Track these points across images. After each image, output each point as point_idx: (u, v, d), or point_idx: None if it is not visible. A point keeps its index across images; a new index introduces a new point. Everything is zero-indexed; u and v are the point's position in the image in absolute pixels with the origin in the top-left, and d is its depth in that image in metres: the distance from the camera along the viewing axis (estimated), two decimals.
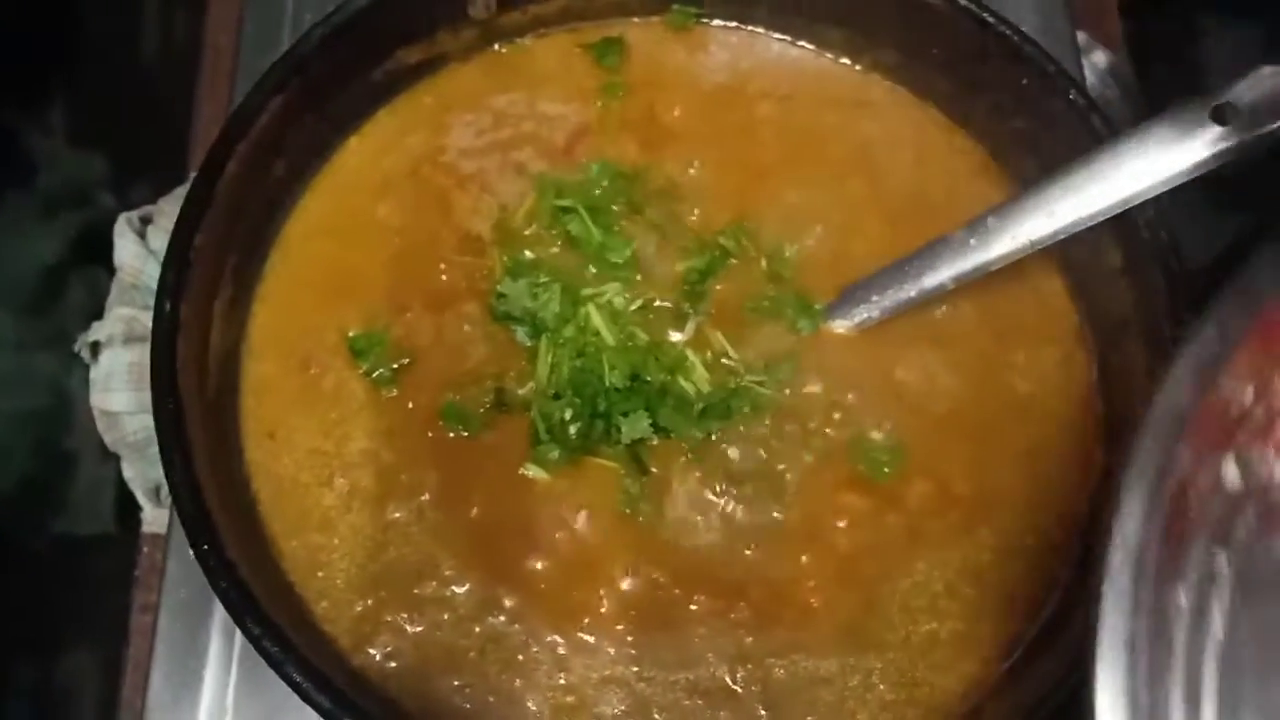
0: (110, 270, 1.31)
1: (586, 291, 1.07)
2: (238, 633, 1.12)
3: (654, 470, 1.02)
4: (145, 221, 1.33)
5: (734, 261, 1.10)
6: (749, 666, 0.97)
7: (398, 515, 1.01)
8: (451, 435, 1.03)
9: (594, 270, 1.09)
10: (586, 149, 1.15)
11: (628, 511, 1.00)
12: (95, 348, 1.27)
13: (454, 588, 0.98)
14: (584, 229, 1.09)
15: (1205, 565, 0.67)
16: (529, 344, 1.05)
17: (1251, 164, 1.32)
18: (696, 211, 1.13)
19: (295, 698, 0.86)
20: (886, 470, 1.03)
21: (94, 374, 1.27)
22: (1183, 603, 0.66)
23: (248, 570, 0.91)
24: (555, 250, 1.11)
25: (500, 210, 1.12)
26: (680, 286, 1.09)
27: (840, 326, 1.09)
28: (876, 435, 1.05)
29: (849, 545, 1.02)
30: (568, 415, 1.01)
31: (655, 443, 1.02)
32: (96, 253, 1.30)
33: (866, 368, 1.08)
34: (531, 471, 1.01)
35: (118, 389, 1.25)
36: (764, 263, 1.11)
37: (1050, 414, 1.08)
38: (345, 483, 1.02)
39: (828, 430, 1.05)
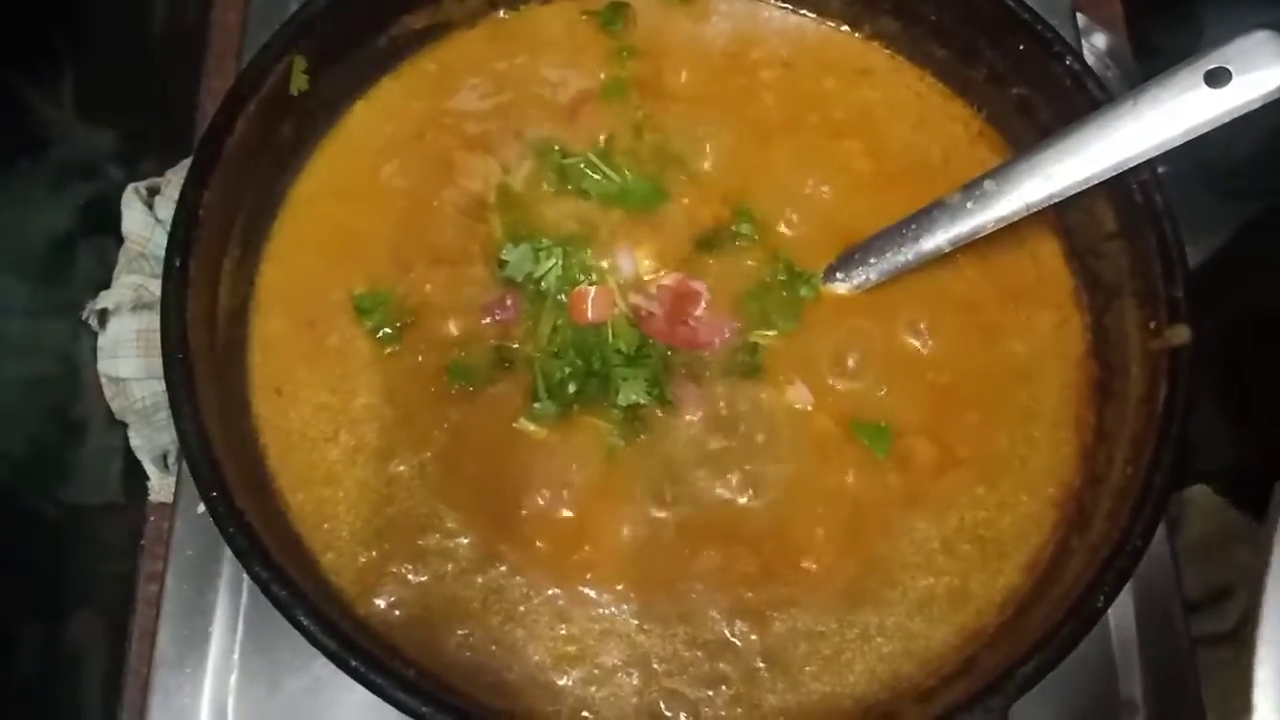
0: (118, 240, 1.32)
1: (598, 260, 1.09)
2: (244, 590, 1.14)
3: (650, 429, 1.04)
4: (153, 192, 1.34)
5: (737, 228, 1.12)
6: (748, 620, 0.98)
7: (401, 469, 1.02)
8: (454, 391, 1.04)
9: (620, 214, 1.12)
10: (591, 113, 1.17)
11: (622, 467, 1.02)
12: (103, 315, 1.27)
13: (456, 539, 1.00)
14: (601, 179, 1.12)
15: None
16: (529, 305, 1.07)
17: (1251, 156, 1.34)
18: (702, 171, 1.15)
19: (302, 654, 0.88)
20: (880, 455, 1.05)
21: (102, 341, 1.28)
22: None
23: (255, 519, 0.92)
24: (557, 213, 1.12)
25: (503, 173, 1.14)
26: (685, 248, 1.11)
27: (840, 288, 1.10)
28: (879, 394, 1.07)
29: (848, 503, 1.03)
30: (567, 373, 1.03)
31: (647, 405, 1.04)
32: (105, 223, 1.31)
33: (866, 328, 1.09)
34: (528, 426, 1.03)
35: (125, 356, 1.26)
36: (765, 227, 1.13)
37: (1046, 376, 1.09)
38: (350, 438, 1.04)
39: (833, 383, 1.07)
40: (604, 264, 1.09)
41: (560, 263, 1.07)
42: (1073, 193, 1.01)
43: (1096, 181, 1.00)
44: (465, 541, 1.00)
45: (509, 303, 1.08)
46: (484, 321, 1.08)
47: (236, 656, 1.12)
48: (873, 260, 1.09)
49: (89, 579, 1.27)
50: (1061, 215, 1.11)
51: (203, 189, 1.00)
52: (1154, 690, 1.13)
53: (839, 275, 1.11)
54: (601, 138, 1.15)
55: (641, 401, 1.03)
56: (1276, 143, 1.35)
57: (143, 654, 1.20)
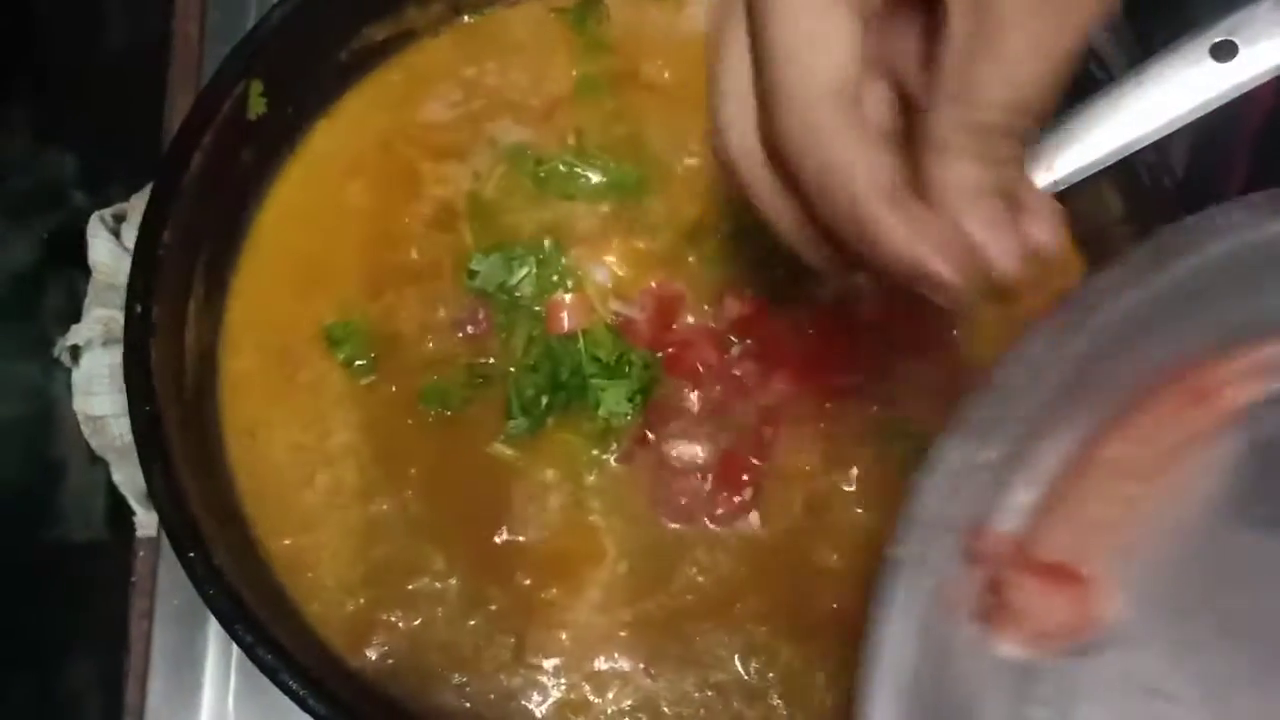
0: (86, 271, 1.27)
1: (575, 266, 1.05)
2: None
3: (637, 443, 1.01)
4: (119, 219, 1.29)
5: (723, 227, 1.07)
6: (761, 657, 0.95)
7: (383, 508, 0.98)
8: (431, 419, 1.01)
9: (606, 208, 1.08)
10: (566, 114, 1.12)
11: (604, 489, 0.99)
12: (75, 351, 1.23)
13: (445, 581, 0.96)
14: (581, 177, 1.08)
15: None
16: (503, 318, 1.03)
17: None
18: (686, 172, 1.10)
19: None
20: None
21: (76, 378, 1.23)
22: None
23: (236, 575, 0.89)
24: (531, 220, 1.08)
25: (474, 182, 1.09)
26: (669, 250, 1.07)
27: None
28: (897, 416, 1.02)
29: (861, 526, 0.99)
30: (541, 386, 0.99)
31: (631, 417, 1.00)
32: (71, 254, 1.27)
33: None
34: (504, 451, 1.00)
35: (100, 392, 1.22)
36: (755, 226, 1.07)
37: None
38: (328, 478, 1.00)
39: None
40: (581, 270, 1.05)
41: (534, 271, 1.03)
42: (1079, 179, 0.96)
43: (1102, 166, 0.95)
44: (454, 583, 0.96)
45: (481, 316, 1.04)
46: (456, 337, 1.04)
47: (231, 705, 1.09)
48: None
49: (79, 620, 1.24)
50: (1067, 201, 1.06)
51: (161, 229, 0.96)
52: None
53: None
54: (571, 138, 1.11)
55: (622, 413, 0.99)
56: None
57: (138, 693, 1.17)
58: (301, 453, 1.01)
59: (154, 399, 0.92)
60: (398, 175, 1.10)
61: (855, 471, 1.00)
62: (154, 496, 0.89)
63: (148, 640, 1.13)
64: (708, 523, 0.98)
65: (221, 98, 1.01)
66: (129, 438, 1.21)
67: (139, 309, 0.93)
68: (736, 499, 0.98)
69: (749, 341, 1.03)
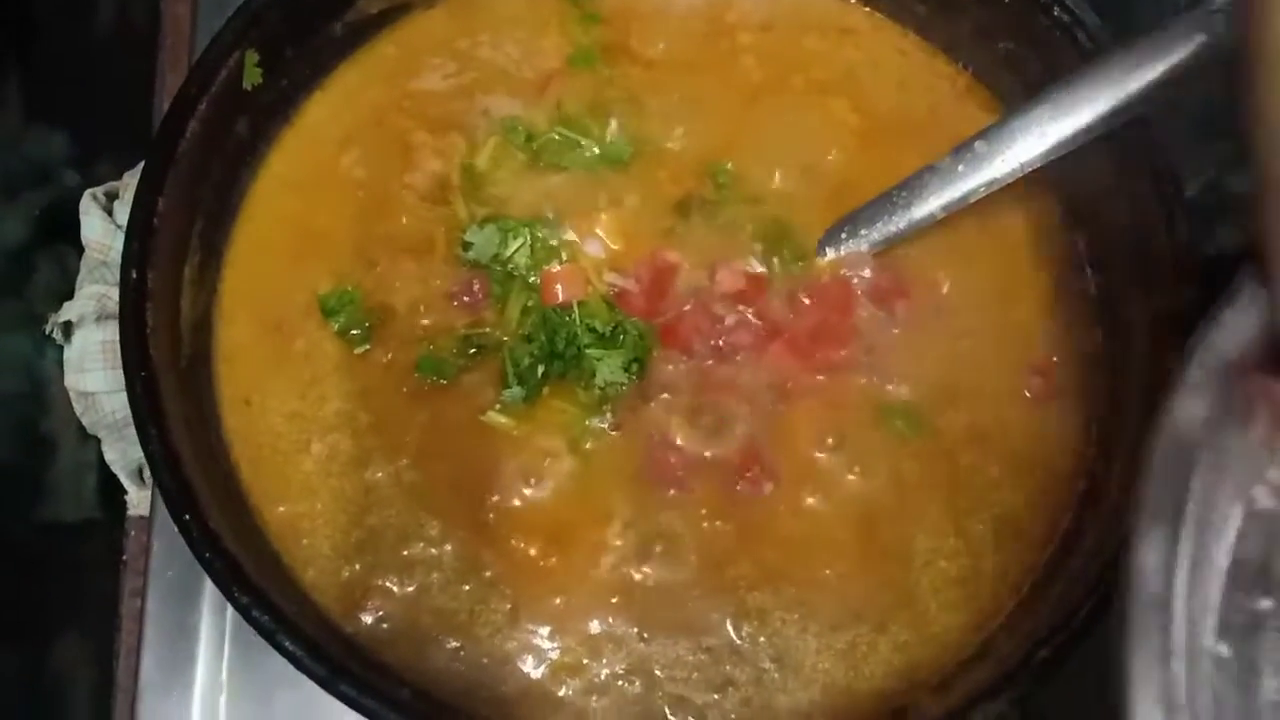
0: (78, 249, 1.27)
1: (569, 237, 1.05)
2: (229, 610, 1.10)
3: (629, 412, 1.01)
4: (111, 197, 1.29)
5: (719, 194, 1.09)
6: (753, 622, 0.95)
7: (378, 476, 0.99)
8: (426, 388, 1.01)
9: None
10: (560, 85, 1.12)
11: (599, 457, 0.99)
12: (67, 328, 1.23)
13: (440, 548, 0.96)
14: (575, 149, 1.08)
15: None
16: (498, 288, 1.03)
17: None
18: (679, 142, 1.11)
19: (291, 672, 0.84)
20: (910, 432, 1.02)
21: (68, 355, 1.23)
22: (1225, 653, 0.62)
23: (232, 540, 0.88)
24: (525, 191, 1.08)
25: (467, 153, 1.09)
26: (663, 220, 1.07)
27: (830, 260, 1.06)
28: (891, 389, 1.03)
29: (856, 492, 1.00)
30: (536, 355, 0.99)
31: (627, 386, 1.01)
32: (63, 231, 1.27)
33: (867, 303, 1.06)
34: (498, 419, 0.99)
35: (92, 369, 1.22)
36: (751, 191, 1.09)
37: (1053, 345, 1.05)
38: (323, 447, 1.00)
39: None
40: (575, 241, 1.05)
41: (529, 242, 1.04)
42: (1067, 149, 0.97)
43: (1091, 136, 0.96)
44: (449, 549, 0.96)
45: (476, 287, 1.04)
46: (451, 307, 1.04)
47: (224, 677, 1.09)
48: (863, 231, 1.05)
49: (71, 598, 1.23)
50: (1057, 173, 1.07)
51: (156, 196, 0.96)
52: None
53: (829, 250, 1.06)
54: (567, 106, 1.11)
55: (618, 382, 1.00)
56: None
57: (130, 670, 1.17)
58: (297, 421, 1.01)
59: (149, 364, 0.91)
60: (391, 147, 1.10)
61: (848, 439, 1.00)
62: (150, 460, 0.89)
63: (139, 618, 1.13)
64: (700, 490, 0.98)
65: (217, 67, 1.01)
66: (121, 414, 1.22)
67: (134, 275, 0.93)
68: (729, 466, 0.99)
69: (742, 309, 1.03)
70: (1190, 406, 0.65)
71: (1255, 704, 0.62)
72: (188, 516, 0.87)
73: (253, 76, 1.04)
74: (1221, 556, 0.63)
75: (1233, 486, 0.64)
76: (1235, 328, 0.67)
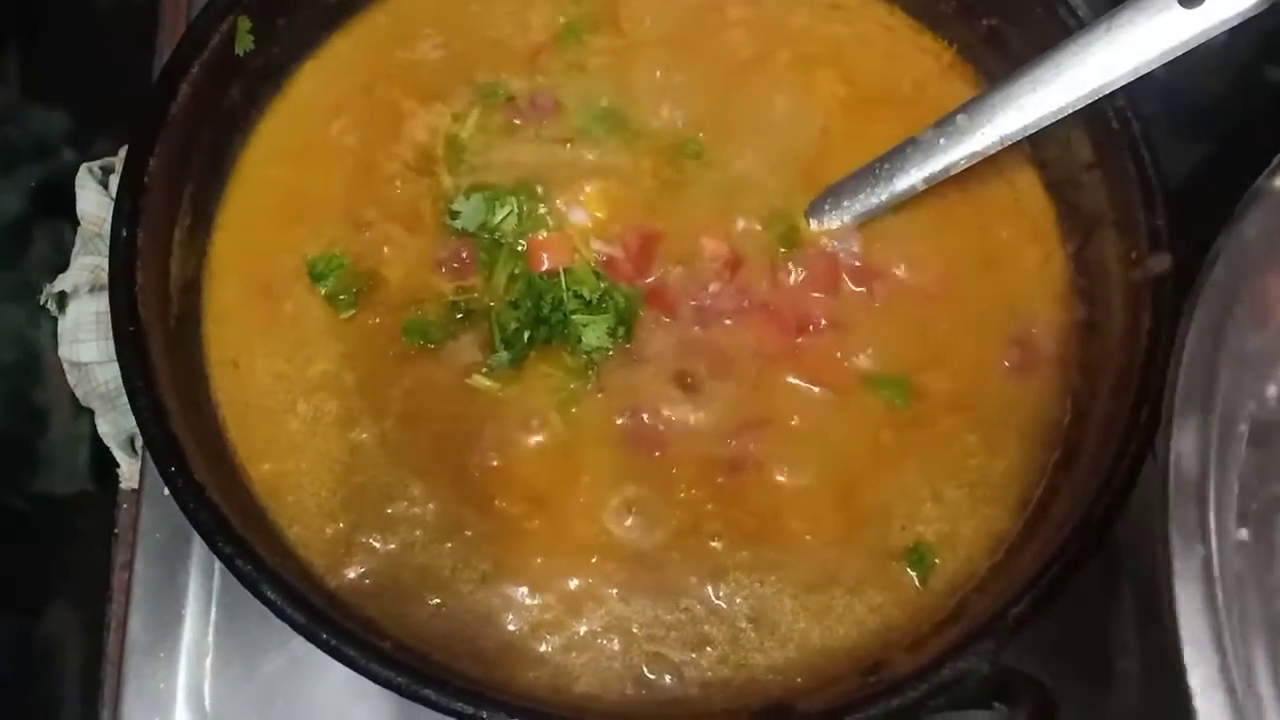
0: (74, 221, 1.28)
1: (556, 206, 1.06)
2: (216, 572, 1.12)
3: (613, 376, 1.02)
4: (107, 172, 1.30)
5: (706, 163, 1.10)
6: (730, 582, 0.96)
7: (363, 437, 1.00)
8: (413, 352, 1.02)
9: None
10: (550, 57, 1.14)
11: (583, 420, 1.00)
12: (62, 299, 1.24)
13: (423, 506, 0.97)
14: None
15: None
16: (485, 255, 1.04)
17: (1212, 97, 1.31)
18: (666, 114, 1.12)
19: (278, 634, 0.85)
20: (898, 401, 1.02)
21: (61, 326, 1.24)
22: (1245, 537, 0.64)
23: (218, 494, 0.90)
24: (512, 161, 1.09)
25: (453, 122, 1.11)
26: (650, 189, 1.08)
27: (814, 229, 1.07)
28: (871, 357, 1.04)
29: (834, 455, 1.00)
30: (523, 321, 1.00)
31: (613, 350, 1.02)
32: (59, 205, 1.28)
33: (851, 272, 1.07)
34: (482, 383, 1.00)
35: (86, 339, 1.23)
36: (738, 162, 1.10)
37: (1034, 314, 1.06)
38: (309, 407, 1.01)
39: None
40: (562, 210, 1.07)
41: (516, 211, 1.05)
42: (1048, 123, 0.98)
43: (1071, 111, 0.97)
44: (431, 508, 0.97)
45: (464, 255, 1.05)
46: (440, 273, 1.05)
47: (211, 639, 1.10)
48: (846, 203, 1.06)
49: (62, 570, 1.24)
50: (1038, 147, 1.09)
51: (148, 156, 0.97)
52: (1147, 631, 1.10)
53: (813, 221, 1.07)
54: (555, 78, 1.13)
55: (604, 347, 1.01)
56: (1245, 80, 1.32)
57: (119, 643, 1.17)
58: (284, 382, 1.02)
59: (138, 318, 0.93)
60: (381, 115, 1.11)
61: (828, 406, 1.01)
62: (136, 411, 0.90)
63: (128, 591, 1.14)
64: (682, 453, 0.99)
65: (210, 32, 1.02)
66: (114, 384, 1.23)
67: (124, 232, 0.94)
68: (712, 431, 1.00)
69: (727, 277, 1.04)
70: (1214, 307, 0.68)
71: (1272, 581, 0.65)
72: (174, 468, 0.88)
73: (244, 43, 1.05)
74: (1241, 446, 0.65)
75: (1252, 380, 0.66)
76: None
